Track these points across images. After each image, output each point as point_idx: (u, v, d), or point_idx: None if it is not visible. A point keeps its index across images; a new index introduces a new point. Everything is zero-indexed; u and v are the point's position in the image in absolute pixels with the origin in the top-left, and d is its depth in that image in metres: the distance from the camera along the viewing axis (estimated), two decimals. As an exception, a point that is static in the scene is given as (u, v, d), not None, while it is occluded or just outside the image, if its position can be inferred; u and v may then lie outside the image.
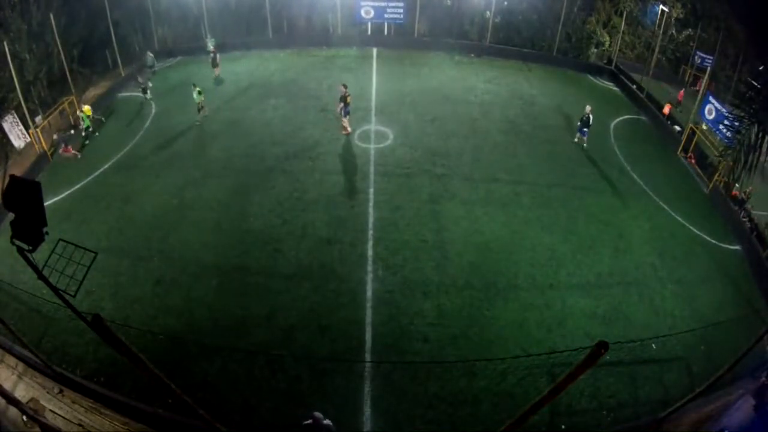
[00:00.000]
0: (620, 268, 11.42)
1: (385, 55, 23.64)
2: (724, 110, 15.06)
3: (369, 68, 22.04)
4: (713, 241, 12.94)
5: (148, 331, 8.81)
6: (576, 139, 16.41)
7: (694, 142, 16.61)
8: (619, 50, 24.25)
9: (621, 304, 10.41)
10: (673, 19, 23.85)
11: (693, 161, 16.61)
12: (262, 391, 8.25)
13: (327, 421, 6.76)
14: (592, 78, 23.50)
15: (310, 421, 6.73)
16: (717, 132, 15.50)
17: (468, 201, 13.18)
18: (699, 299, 10.83)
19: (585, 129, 15.85)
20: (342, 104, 15.47)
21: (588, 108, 15.81)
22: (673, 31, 24.60)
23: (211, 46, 21.37)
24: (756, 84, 14.40)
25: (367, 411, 8.02)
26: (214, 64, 20.61)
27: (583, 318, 10.00)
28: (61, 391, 7.98)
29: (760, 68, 17.26)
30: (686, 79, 24.07)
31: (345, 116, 15.73)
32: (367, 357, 8.88)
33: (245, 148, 15.43)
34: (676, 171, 16.26)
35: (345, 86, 15.41)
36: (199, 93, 16.66)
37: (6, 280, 9.64)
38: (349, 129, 16.07)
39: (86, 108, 16.29)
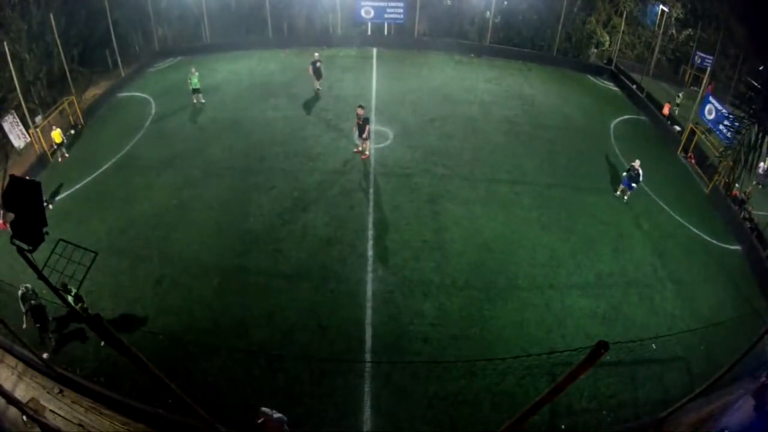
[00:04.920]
0: (620, 268, 11.42)
1: (385, 55, 23.61)
2: (724, 110, 15.07)
3: (369, 68, 22.01)
4: (713, 241, 12.94)
5: (148, 331, 8.82)
6: (618, 192, 14.08)
7: (694, 142, 16.62)
8: (619, 50, 24.25)
9: (621, 304, 10.42)
10: (673, 19, 23.89)
11: (693, 161, 16.62)
12: (262, 391, 8.25)
13: (277, 415, 6.64)
14: (592, 78, 23.48)
15: (261, 420, 6.63)
16: (717, 132, 15.52)
17: (468, 201, 13.17)
18: (699, 299, 10.84)
19: (633, 185, 13.61)
20: (366, 127, 14.04)
21: (637, 162, 13.41)
22: (673, 31, 24.65)
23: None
24: (756, 84, 14.42)
25: (367, 411, 8.02)
26: (319, 76, 18.71)
27: (583, 318, 10.01)
28: (61, 391, 7.97)
29: (760, 68, 17.30)
30: (686, 79, 24.09)
31: (367, 140, 14.46)
32: (367, 357, 8.88)
33: (245, 148, 15.41)
34: (676, 171, 16.26)
35: (362, 107, 14.15)
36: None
37: (6, 280, 9.63)
38: (368, 153, 14.80)
39: (56, 132, 14.91)
